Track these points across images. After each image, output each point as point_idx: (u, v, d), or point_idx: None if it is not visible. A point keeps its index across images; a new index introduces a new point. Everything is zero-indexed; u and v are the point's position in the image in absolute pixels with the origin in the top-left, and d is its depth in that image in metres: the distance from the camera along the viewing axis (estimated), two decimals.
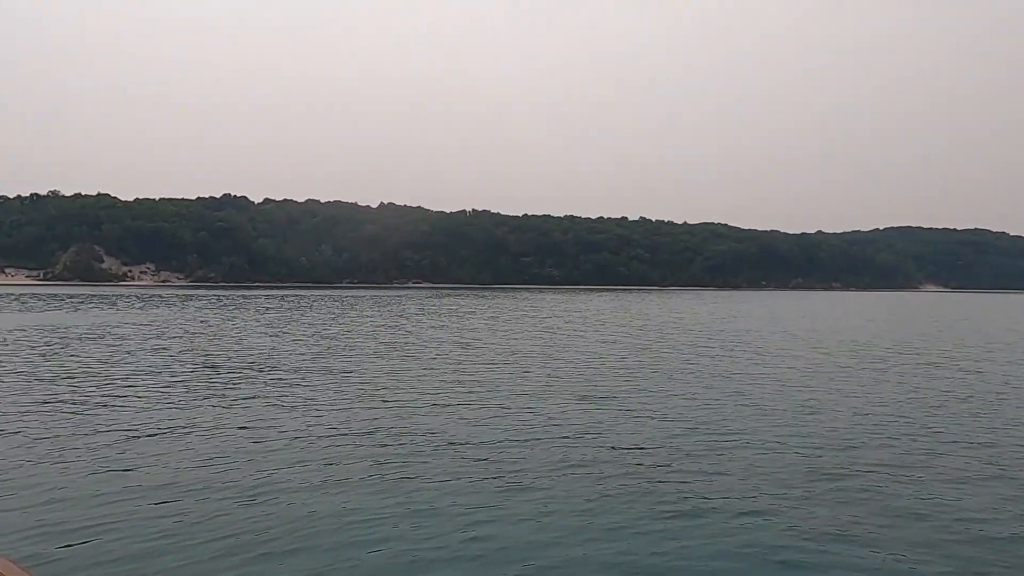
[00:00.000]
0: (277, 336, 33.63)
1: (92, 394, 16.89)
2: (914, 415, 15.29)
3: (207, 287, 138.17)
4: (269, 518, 8.42)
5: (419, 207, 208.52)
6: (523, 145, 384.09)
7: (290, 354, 25.90)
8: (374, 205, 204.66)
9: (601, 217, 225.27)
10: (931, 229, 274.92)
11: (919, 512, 8.92)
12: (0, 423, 13.50)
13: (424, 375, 20.69)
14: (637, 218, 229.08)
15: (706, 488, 9.78)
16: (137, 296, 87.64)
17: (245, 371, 21.26)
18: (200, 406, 15.47)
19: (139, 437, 12.40)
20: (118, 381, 18.93)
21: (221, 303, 70.06)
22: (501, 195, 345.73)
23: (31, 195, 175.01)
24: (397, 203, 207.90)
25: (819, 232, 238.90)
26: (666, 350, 29.03)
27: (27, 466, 10.53)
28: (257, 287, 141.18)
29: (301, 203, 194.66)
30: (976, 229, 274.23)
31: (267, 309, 59.53)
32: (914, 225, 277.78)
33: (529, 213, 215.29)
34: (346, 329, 38.53)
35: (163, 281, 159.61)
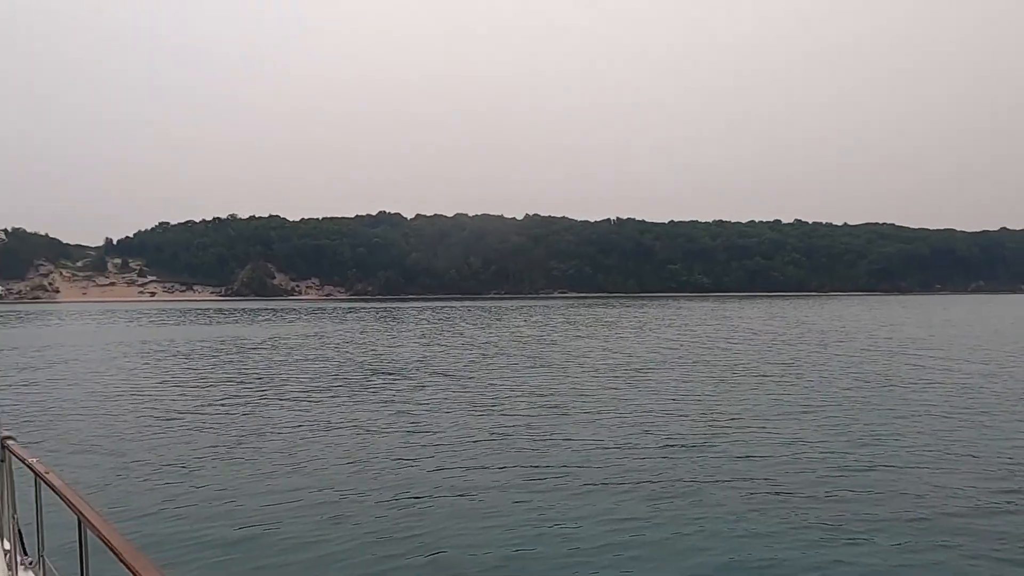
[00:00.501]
0: (430, 345, 35.24)
1: (267, 396, 18.43)
2: None
3: (365, 299, 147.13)
4: (418, 516, 8.82)
5: (563, 217, 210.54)
6: (668, 141, 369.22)
7: (442, 362, 27.06)
8: (520, 217, 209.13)
9: (752, 221, 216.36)
10: None
11: None
12: (189, 421, 15.04)
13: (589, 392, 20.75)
14: (792, 220, 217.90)
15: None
16: (304, 310, 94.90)
17: (404, 377, 22.44)
18: (372, 409, 16.44)
19: (308, 434, 13.39)
20: (303, 384, 20.49)
21: (378, 315, 74.35)
22: (646, 199, 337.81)
23: (214, 218, 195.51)
24: (542, 214, 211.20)
25: (1003, 229, 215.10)
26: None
27: (200, 461, 11.65)
28: (411, 299, 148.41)
29: (450, 217, 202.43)
30: None
31: (420, 321, 62.30)
32: None
33: (676, 219, 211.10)
34: (495, 338, 39.52)
35: (327, 295, 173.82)
